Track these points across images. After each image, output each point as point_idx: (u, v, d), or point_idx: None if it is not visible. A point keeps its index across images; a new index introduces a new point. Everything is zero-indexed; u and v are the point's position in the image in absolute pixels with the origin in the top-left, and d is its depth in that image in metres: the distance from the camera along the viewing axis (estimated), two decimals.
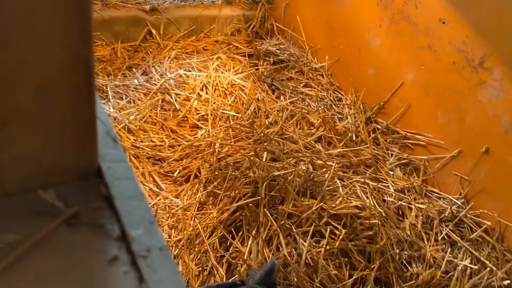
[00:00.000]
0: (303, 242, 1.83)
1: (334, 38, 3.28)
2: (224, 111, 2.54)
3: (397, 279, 2.01)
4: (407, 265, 2.16)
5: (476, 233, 2.35)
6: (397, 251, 2.15)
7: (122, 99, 2.75)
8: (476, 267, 2.23)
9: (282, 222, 1.89)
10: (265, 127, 2.36)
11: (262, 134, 2.24)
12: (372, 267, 1.97)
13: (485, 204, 2.38)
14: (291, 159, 2.18)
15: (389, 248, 2.05)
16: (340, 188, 2.13)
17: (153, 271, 0.43)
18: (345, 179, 2.26)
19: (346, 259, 1.95)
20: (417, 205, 2.46)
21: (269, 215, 1.90)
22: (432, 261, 2.24)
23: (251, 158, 2.08)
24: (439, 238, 2.35)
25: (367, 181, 2.33)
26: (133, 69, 3.07)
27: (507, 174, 2.26)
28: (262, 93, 2.75)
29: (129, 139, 2.46)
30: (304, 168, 2.09)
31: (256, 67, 3.23)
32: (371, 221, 2.08)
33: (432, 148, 2.64)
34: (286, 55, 3.48)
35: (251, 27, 3.79)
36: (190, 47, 3.40)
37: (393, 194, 2.47)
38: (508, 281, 2.20)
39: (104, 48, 3.30)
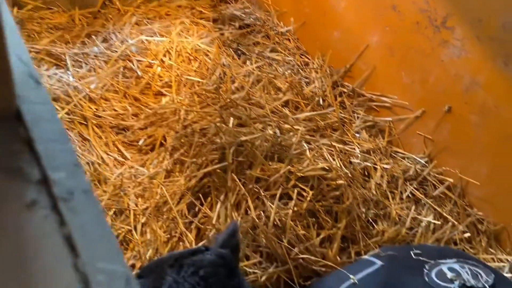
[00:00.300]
0: (271, 205, 1.84)
1: (299, 1, 3.22)
2: (188, 77, 2.48)
3: (363, 236, 2.06)
4: (373, 223, 2.22)
5: (439, 190, 2.42)
6: (364, 210, 2.21)
7: (81, 67, 2.64)
8: (439, 223, 2.31)
9: (250, 186, 1.89)
10: (231, 92, 2.32)
11: (228, 100, 2.20)
12: (338, 226, 2.01)
13: (447, 162, 2.46)
14: (258, 124, 2.16)
15: (355, 208, 2.09)
16: (307, 151, 2.14)
17: (75, 214, 0.41)
18: (312, 142, 2.27)
19: (314, 219, 1.98)
20: (382, 165, 2.51)
21: (237, 180, 1.89)
22: (397, 218, 2.31)
23: (217, 124, 2.05)
24: (404, 197, 2.42)
25: (333, 143, 2.35)
26: (93, 37, 2.93)
27: (468, 132, 2.32)
28: (227, 58, 2.70)
29: (91, 108, 2.38)
30: (271, 132, 2.08)
31: (221, 32, 3.15)
32: (337, 182, 2.11)
33: (397, 109, 2.68)
34: (251, 19, 3.40)
35: None
36: (151, 13, 3.27)
37: (359, 155, 2.51)
38: (468, 234, 2.30)
39: (61, 15, 3.14)
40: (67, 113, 2.30)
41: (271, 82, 2.61)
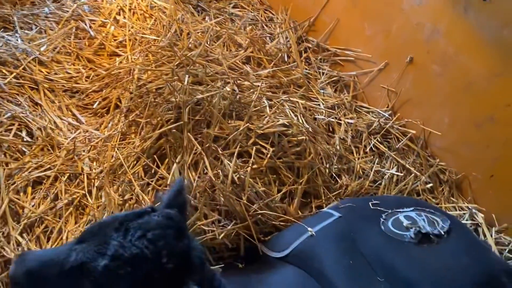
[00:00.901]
0: (229, 163, 1.81)
1: None
2: (143, 36, 2.38)
3: (325, 191, 2.06)
4: (336, 178, 2.22)
5: (402, 142, 2.42)
6: (327, 165, 2.19)
7: (31, 29, 2.50)
8: (402, 174, 2.32)
9: (208, 145, 1.85)
10: (188, 49, 2.23)
11: (183, 57, 2.12)
12: (300, 181, 1.99)
13: (410, 114, 2.45)
14: (216, 81, 2.10)
15: (317, 163, 2.07)
16: (267, 108, 2.09)
17: None
18: (273, 99, 2.22)
19: (275, 176, 1.96)
20: (346, 120, 2.49)
21: (193, 139, 1.84)
22: (361, 172, 2.31)
23: (172, 83, 1.98)
24: (368, 150, 2.42)
25: (296, 100, 2.31)
26: None
27: (430, 82, 2.30)
28: (185, 15, 2.59)
29: (42, 72, 2.27)
30: (229, 89, 2.02)
31: None
32: (298, 138, 2.07)
33: (361, 62, 2.63)
34: None
35: None
36: None
37: (324, 111, 2.47)
38: (431, 184, 2.32)
39: None
40: (15, 78, 2.18)
41: (231, 38, 2.52)
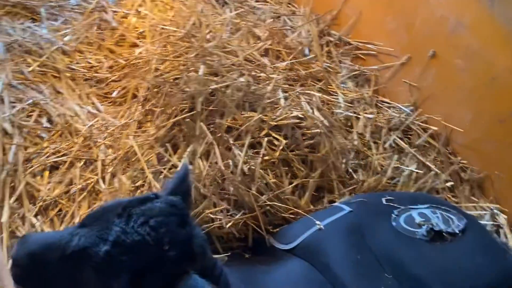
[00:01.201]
0: (239, 153, 1.80)
1: None
2: (163, 27, 2.40)
3: (338, 185, 2.02)
4: (352, 173, 2.18)
5: (422, 138, 2.35)
6: (343, 160, 2.16)
7: (57, 20, 2.57)
8: (422, 172, 2.26)
9: (219, 135, 1.85)
10: (206, 41, 2.24)
11: (200, 48, 2.13)
12: (313, 175, 1.96)
13: (432, 110, 2.37)
14: (232, 72, 2.09)
15: (331, 156, 2.04)
16: (282, 100, 2.07)
17: None
18: (289, 92, 2.20)
19: (287, 168, 1.94)
20: (365, 115, 2.43)
21: (205, 128, 1.85)
22: (379, 168, 2.25)
23: (187, 73, 1.99)
24: (387, 146, 2.36)
25: (313, 93, 2.28)
26: None
27: (453, 78, 2.22)
28: (206, 7, 2.59)
29: (64, 60, 2.33)
30: (243, 80, 2.01)
31: None
32: (313, 131, 2.05)
33: (383, 57, 2.58)
34: None
35: None
36: None
37: (342, 105, 2.43)
38: (451, 183, 2.24)
39: None
40: (39, 66, 2.25)
41: (250, 30, 2.51)
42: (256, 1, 3.05)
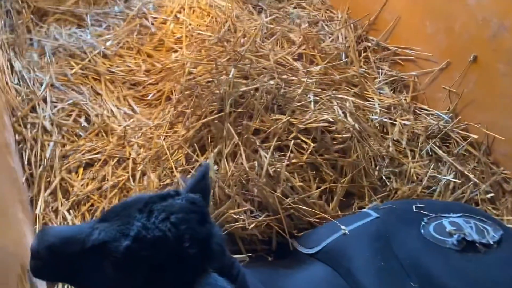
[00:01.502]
0: (265, 155, 1.80)
1: None
2: (200, 32, 2.45)
3: (369, 191, 1.96)
4: (386, 181, 2.11)
5: (461, 146, 2.25)
6: (376, 167, 2.10)
7: (101, 26, 2.70)
8: (460, 182, 2.15)
9: (246, 136, 1.85)
10: (240, 45, 2.26)
11: (233, 52, 2.15)
12: (342, 180, 1.92)
13: (473, 117, 2.27)
14: (263, 76, 2.10)
15: (362, 162, 1.99)
16: (312, 103, 2.05)
17: None
18: (322, 96, 2.17)
19: (315, 172, 1.91)
20: (402, 121, 2.36)
21: (232, 130, 1.86)
22: (415, 177, 2.17)
23: (218, 76, 2.01)
24: (424, 154, 2.27)
25: (347, 97, 2.24)
26: None
27: (495, 83, 2.11)
28: (242, 13, 2.63)
29: (105, 64, 2.43)
30: (273, 83, 2.01)
31: None
32: (344, 136, 2.01)
33: (421, 62, 2.50)
34: None
35: None
36: None
37: (378, 111, 2.37)
38: (492, 194, 2.12)
39: None
40: (81, 69, 2.36)
41: (284, 35, 2.51)
42: (294, 8, 3.06)
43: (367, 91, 2.52)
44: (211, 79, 2.11)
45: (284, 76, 2.11)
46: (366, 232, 1.58)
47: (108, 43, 2.54)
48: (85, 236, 1.16)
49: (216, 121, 1.91)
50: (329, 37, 2.77)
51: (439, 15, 2.31)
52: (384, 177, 2.11)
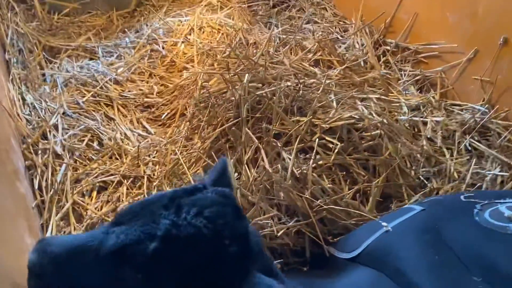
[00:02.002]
0: (289, 156, 1.65)
1: None
2: (211, 47, 2.39)
3: (407, 190, 1.77)
4: (424, 181, 1.91)
5: (503, 137, 2.04)
6: (412, 167, 1.91)
7: (112, 56, 2.67)
8: (508, 174, 1.93)
9: (266, 139, 1.71)
10: (252, 55, 2.18)
11: (246, 61, 2.06)
12: (376, 180, 1.74)
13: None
14: (279, 80, 1.99)
15: (396, 159, 1.81)
16: (334, 102, 1.91)
17: None
18: (344, 96, 2.03)
19: (345, 173, 1.74)
20: (434, 119, 2.18)
21: (251, 134, 1.73)
22: (456, 175, 1.97)
23: (231, 81, 1.91)
24: (463, 151, 2.07)
25: (371, 96, 2.09)
26: (127, 31, 2.97)
27: None
28: (253, 27, 2.57)
29: (116, 90, 2.37)
30: (290, 84, 1.89)
31: (252, 10, 3.05)
32: (372, 133, 1.85)
33: (447, 56, 2.35)
34: None
35: None
36: (185, 6, 3.25)
37: (406, 111, 2.21)
38: None
39: (99, 17, 3.22)
40: (93, 96, 2.30)
41: (299, 43, 2.42)
42: (307, 23, 2.99)
43: (392, 93, 2.38)
44: (224, 91, 2.01)
45: (302, 80, 1.99)
46: (411, 226, 1.39)
47: (119, 70, 2.49)
48: (99, 243, 0.97)
49: (233, 128, 1.78)
50: (345, 46, 2.67)
51: (459, 2, 2.19)
52: (421, 178, 1.92)
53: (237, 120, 1.79)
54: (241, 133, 1.75)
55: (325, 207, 1.54)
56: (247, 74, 1.92)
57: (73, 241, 1.01)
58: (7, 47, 2.50)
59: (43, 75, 2.52)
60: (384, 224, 1.42)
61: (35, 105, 2.17)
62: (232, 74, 1.96)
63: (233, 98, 1.87)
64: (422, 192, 1.78)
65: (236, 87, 1.93)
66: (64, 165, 1.85)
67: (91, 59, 2.69)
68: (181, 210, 0.97)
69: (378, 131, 1.85)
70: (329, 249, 1.52)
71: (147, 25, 2.93)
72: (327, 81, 2.01)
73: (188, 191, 1.04)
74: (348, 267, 1.41)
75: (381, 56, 2.67)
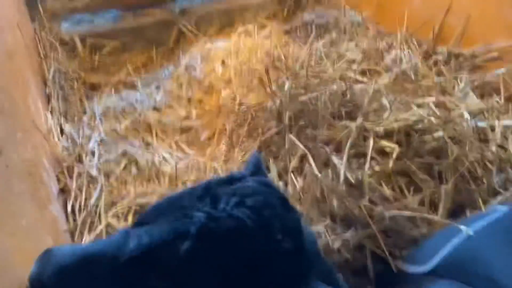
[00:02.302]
0: (340, 161, 1.45)
1: None
2: (249, 66, 2.29)
3: (482, 195, 1.51)
4: (501, 191, 1.64)
5: None
6: (483, 174, 1.66)
7: (151, 86, 2.63)
8: None
9: (312, 145, 1.54)
10: (292, 66, 2.05)
11: (287, 72, 1.93)
12: (446, 184, 1.50)
13: None
14: (323, 85, 1.83)
15: (466, 162, 1.57)
16: (388, 104, 1.72)
17: None
18: (398, 99, 1.83)
19: (406, 179, 1.51)
20: (503, 123, 1.92)
21: (295, 140, 1.56)
22: None
23: (272, 92, 1.78)
24: None
25: (429, 98, 1.89)
26: (165, 65, 2.96)
27: None
28: (291, 44, 2.47)
29: (155, 116, 2.30)
30: (335, 87, 1.73)
31: (291, 33, 2.97)
32: (434, 135, 1.63)
33: (508, 55, 2.12)
34: (324, 19, 3.17)
35: (286, 8, 3.53)
36: (225, 36, 3.22)
37: (468, 118, 1.97)
38: None
39: (140, 55, 3.24)
40: (131, 123, 2.24)
41: (341, 55, 2.28)
42: (350, 40, 2.85)
43: (450, 101, 2.15)
44: (264, 102, 1.87)
45: (348, 84, 1.83)
46: (498, 228, 1.14)
47: (158, 98, 2.44)
48: (115, 249, 0.79)
49: (275, 136, 1.63)
50: (391, 58, 2.50)
51: None
52: (497, 188, 1.65)
53: (279, 128, 1.63)
54: (284, 141, 1.59)
55: (388, 214, 1.31)
56: (287, 82, 1.78)
57: (84, 249, 0.84)
58: (48, 82, 2.51)
59: (84, 110, 2.50)
60: (464, 228, 1.18)
61: (72, 132, 2.12)
62: (272, 84, 1.83)
63: (273, 107, 1.72)
64: (502, 198, 1.51)
65: (276, 96, 1.79)
66: (98, 187, 1.74)
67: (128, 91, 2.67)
68: (218, 201, 0.80)
69: (441, 133, 1.63)
70: (397, 263, 1.27)
71: (185, 57, 2.91)
72: (377, 86, 1.83)
73: (225, 181, 0.87)
74: (424, 283, 1.16)
75: (433, 66, 2.48)
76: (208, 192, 0.84)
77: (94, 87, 2.76)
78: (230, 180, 0.89)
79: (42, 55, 2.66)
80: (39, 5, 3.00)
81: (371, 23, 3.01)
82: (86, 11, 3.36)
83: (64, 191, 1.73)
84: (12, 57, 1.75)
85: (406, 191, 1.48)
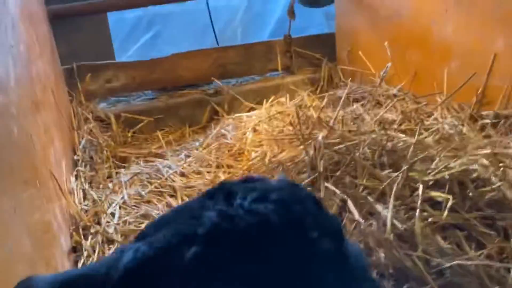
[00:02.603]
0: (386, 207, 1.25)
1: (403, 53, 2.89)
2: (281, 130, 2.20)
3: None
4: None
5: None
6: None
7: (180, 155, 2.57)
8: None
9: (352, 191, 1.35)
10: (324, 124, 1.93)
11: (320, 125, 1.81)
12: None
13: None
14: (360, 135, 1.69)
15: None
16: (434, 152, 1.54)
17: None
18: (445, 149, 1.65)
19: (464, 232, 1.28)
20: None
21: (332, 186, 1.38)
22: None
23: (304, 142, 1.65)
24: None
25: (479, 152, 1.69)
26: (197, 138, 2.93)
27: None
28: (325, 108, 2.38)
29: (181, 181, 2.19)
30: (375, 136, 1.58)
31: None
32: (493, 186, 1.41)
33: None
34: (358, 94, 3.13)
35: (319, 87, 3.55)
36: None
37: None
38: None
39: (173, 133, 3.24)
40: (156, 187, 2.13)
41: (379, 118, 2.16)
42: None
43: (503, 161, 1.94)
44: (297, 156, 1.73)
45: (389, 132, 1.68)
46: None
47: (186, 164, 2.35)
48: (110, 265, 0.64)
49: (308, 185, 1.46)
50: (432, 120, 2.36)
51: None
52: None
53: (312, 177, 1.47)
54: (319, 191, 1.41)
55: (447, 265, 1.07)
56: (321, 132, 1.66)
57: (70, 273, 0.72)
58: (78, 151, 2.49)
59: (110, 178, 2.42)
60: None
61: (94, 196, 2.02)
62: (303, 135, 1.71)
63: (307, 157, 1.58)
64: None
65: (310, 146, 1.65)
66: (114, 248, 1.58)
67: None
68: (233, 196, 0.64)
69: (499, 182, 1.41)
70: None
71: (216, 127, 2.87)
72: (421, 138, 1.67)
73: (242, 180, 0.72)
74: None
75: (480, 131, 2.30)
76: (221, 189, 0.68)
77: (124, 160, 2.72)
78: (247, 179, 0.73)
79: (74, 127, 2.68)
80: (79, 85, 3.13)
81: (407, 94, 2.92)
82: (123, 92, 3.47)
83: (75, 249, 1.58)
84: (40, 111, 1.73)
85: (466, 246, 1.24)
